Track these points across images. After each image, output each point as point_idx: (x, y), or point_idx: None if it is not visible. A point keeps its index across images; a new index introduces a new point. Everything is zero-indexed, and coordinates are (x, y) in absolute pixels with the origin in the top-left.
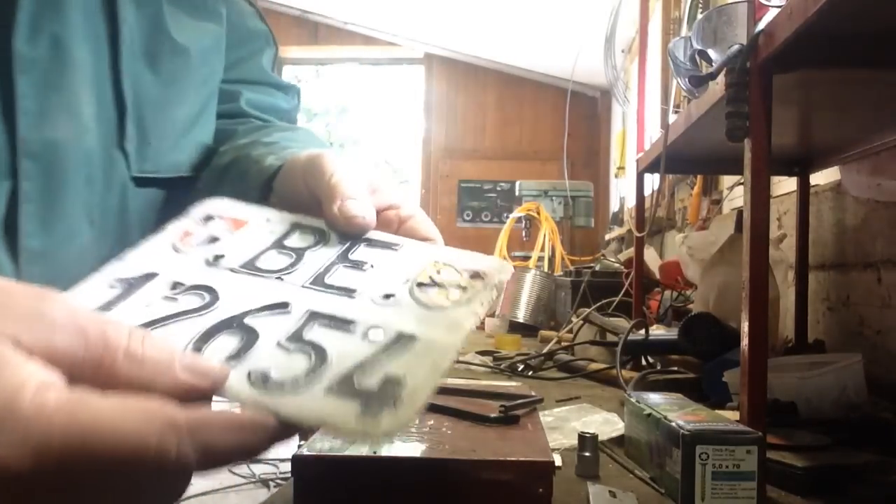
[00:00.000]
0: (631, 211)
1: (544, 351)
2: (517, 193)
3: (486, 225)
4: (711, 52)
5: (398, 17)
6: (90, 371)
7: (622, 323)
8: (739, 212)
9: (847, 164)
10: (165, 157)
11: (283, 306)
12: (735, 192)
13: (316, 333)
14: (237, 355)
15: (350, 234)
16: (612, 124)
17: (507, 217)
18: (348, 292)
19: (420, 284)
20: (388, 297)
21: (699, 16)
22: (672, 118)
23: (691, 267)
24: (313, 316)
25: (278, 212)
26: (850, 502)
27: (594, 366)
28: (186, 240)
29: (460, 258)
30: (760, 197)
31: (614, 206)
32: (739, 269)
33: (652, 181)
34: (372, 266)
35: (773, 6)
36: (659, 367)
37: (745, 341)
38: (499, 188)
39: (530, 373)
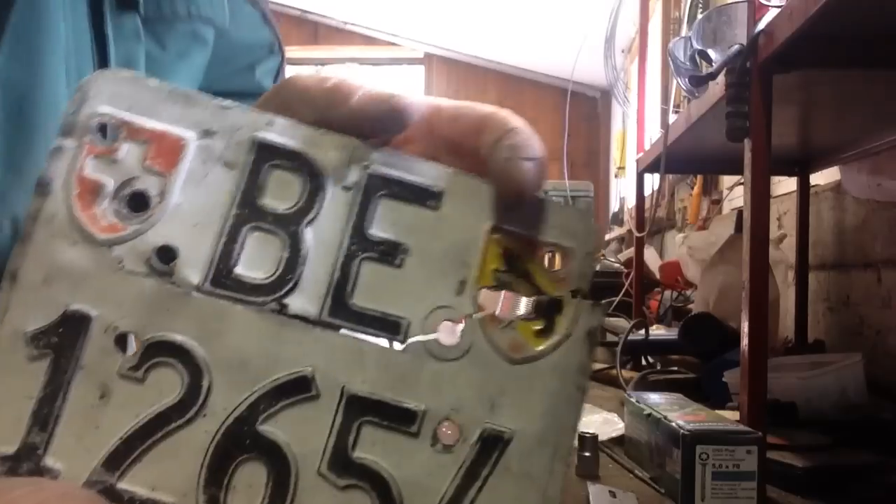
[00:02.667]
0: (631, 211)
1: None
2: None
3: None
4: (711, 52)
5: (398, 17)
6: None
7: (622, 323)
8: (739, 212)
9: (847, 164)
10: None
11: (304, 387)
12: (735, 192)
13: (367, 449)
14: None
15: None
16: (612, 124)
17: None
18: (392, 328)
19: (485, 288)
20: (438, 347)
21: (699, 16)
22: (672, 118)
23: (691, 267)
24: (354, 408)
25: (219, 104)
26: (850, 502)
27: (594, 366)
28: (93, 211)
29: (526, 219)
30: (760, 197)
31: (614, 206)
32: (739, 269)
33: (652, 181)
34: (406, 250)
35: (773, 6)
36: (659, 367)
37: (745, 341)
38: None
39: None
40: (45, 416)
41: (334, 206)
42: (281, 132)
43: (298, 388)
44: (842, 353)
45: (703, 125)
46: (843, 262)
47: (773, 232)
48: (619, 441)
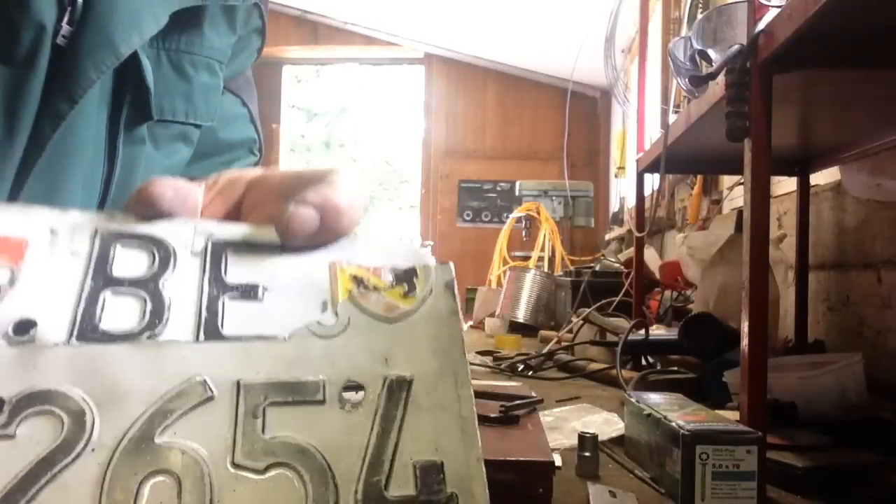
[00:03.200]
0: (631, 211)
1: (544, 351)
2: (517, 193)
3: (486, 225)
4: (711, 52)
5: (398, 17)
6: None
7: (622, 323)
8: (739, 212)
9: (847, 164)
10: None
11: (197, 392)
12: (735, 192)
13: (278, 428)
14: None
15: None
16: (612, 124)
17: (507, 217)
18: (270, 339)
19: (350, 300)
20: (321, 327)
21: (699, 16)
22: (672, 118)
23: (691, 267)
24: (254, 395)
25: (58, 210)
26: (850, 502)
27: (594, 366)
28: None
29: (364, 255)
30: (760, 197)
31: (614, 206)
32: (739, 269)
33: (652, 181)
34: (265, 288)
35: (773, 6)
36: (659, 367)
37: (745, 341)
38: (499, 188)
39: (530, 373)
40: None
41: (187, 266)
42: (121, 223)
43: (191, 395)
44: (842, 353)
45: (703, 125)
46: (843, 262)
47: (773, 232)
48: (619, 441)
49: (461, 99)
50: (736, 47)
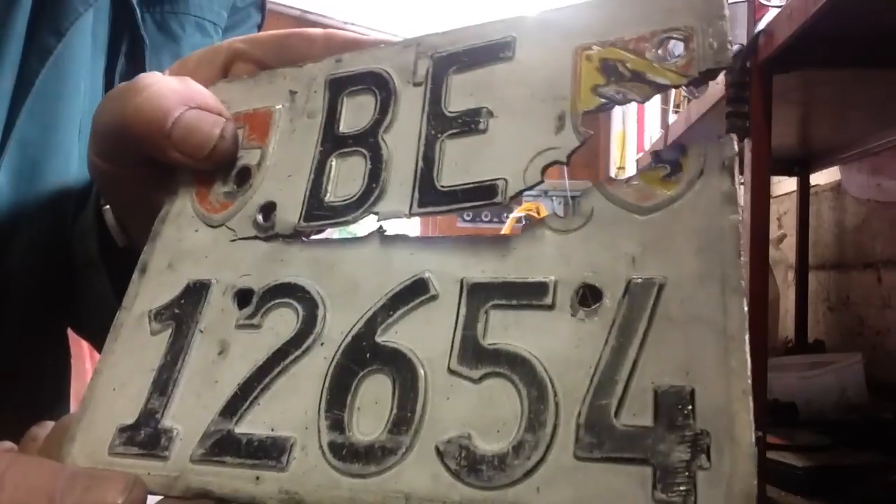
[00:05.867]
0: None
1: None
2: None
3: (486, 225)
4: None
5: (398, 17)
6: None
7: None
8: None
9: (847, 164)
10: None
11: (421, 289)
12: None
13: (500, 334)
14: (407, 423)
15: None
16: (612, 124)
17: (507, 217)
18: (487, 194)
19: (596, 187)
20: (557, 220)
21: None
22: (672, 118)
23: None
24: (478, 296)
25: (296, 69)
26: (850, 502)
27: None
28: (208, 199)
29: (625, 18)
30: (760, 197)
31: None
32: None
33: None
34: (489, 112)
35: (773, 6)
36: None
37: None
38: None
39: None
40: (164, 382)
41: (407, 104)
42: (348, 64)
43: (415, 292)
44: (842, 353)
45: (703, 125)
46: (843, 262)
47: (773, 232)
48: None
49: None
50: (736, 47)
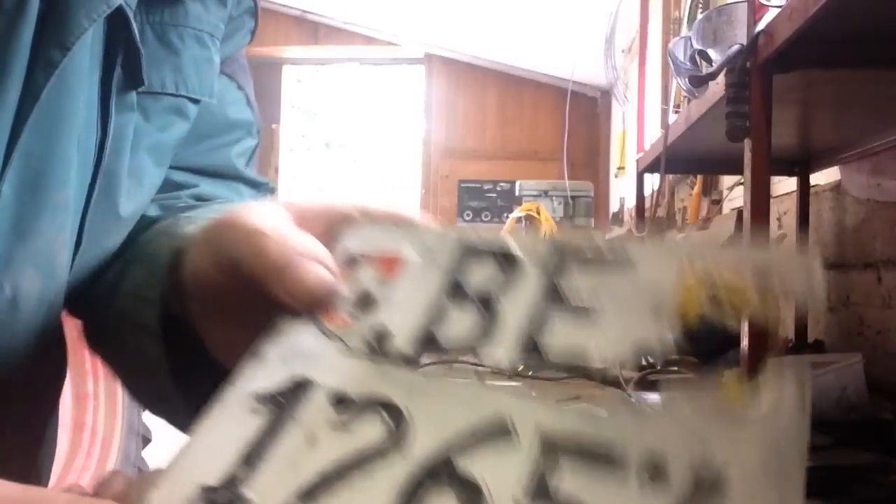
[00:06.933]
0: (631, 211)
1: None
2: (517, 193)
3: (487, 225)
4: (711, 52)
5: (398, 17)
6: None
7: None
8: (739, 212)
9: (847, 164)
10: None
11: (502, 430)
12: (735, 192)
13: (567, 482)
14: None
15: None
16: (612, 124)
17: (507, 217)
18: (584, 373)
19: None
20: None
21: (699, 16)
22: (672, 118)
23: None
24: (553, 444)
25: (432, 229)
26: (850, 502)
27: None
28: (332, 313)
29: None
30: (760, 197)
31: (614, 206)
32: None
33: (652, 181)
34: (599, 301)
35: (773, 6)
36: (659, 367)
37: (745, 341)
38: (499, 188)
39: (530, 373)
40: (251, 455)
41: (528, 281)
42: (479, 237)
43: (496, 430)
44: (842, 353)
45: (703, 125)
46: (843, 262)
47: (773, 232)
48: None
49: (461, 99)
50: (736, 47)
